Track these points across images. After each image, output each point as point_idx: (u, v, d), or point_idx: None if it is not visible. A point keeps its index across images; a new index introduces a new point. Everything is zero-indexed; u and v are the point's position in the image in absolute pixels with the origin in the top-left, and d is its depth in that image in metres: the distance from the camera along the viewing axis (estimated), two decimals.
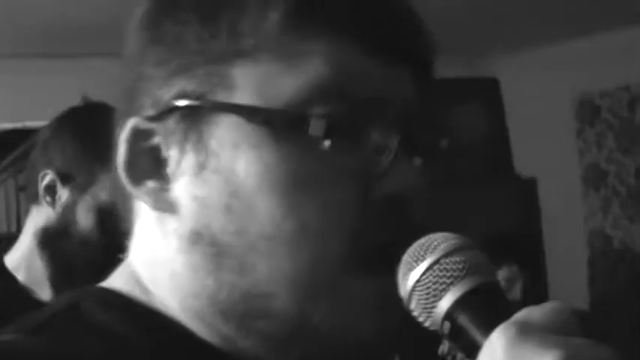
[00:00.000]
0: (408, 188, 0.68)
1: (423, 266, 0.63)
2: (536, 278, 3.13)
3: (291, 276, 0.66)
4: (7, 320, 1.61)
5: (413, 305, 0.64)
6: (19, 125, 4.07)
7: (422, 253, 0.64)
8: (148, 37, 0.72)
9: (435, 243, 0.64)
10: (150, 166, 0.70)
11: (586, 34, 4.53)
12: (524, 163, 3.60)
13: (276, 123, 0.65)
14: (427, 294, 0.63)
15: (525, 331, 0.57)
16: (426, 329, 0.65)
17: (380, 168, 0.67)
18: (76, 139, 1.65)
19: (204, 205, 0.67)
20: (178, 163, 0.69)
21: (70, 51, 4.51)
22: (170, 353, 0.69)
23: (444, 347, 0.83)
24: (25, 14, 3.84)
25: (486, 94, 5.36)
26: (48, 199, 1.63)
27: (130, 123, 0.70)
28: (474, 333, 0.61)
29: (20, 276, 1.66)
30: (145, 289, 0.73)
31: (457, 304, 0.62)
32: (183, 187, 0.69)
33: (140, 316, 0.71)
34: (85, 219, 1.63)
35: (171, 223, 0.70)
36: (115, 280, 0.76)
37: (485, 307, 0.62)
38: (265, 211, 0.66)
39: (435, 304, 0.63)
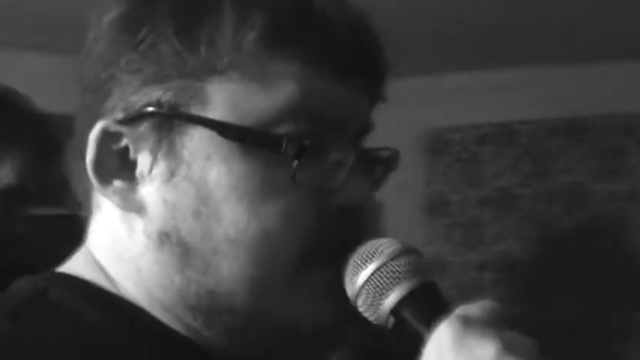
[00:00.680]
0: (360, 201, 0.78)
1: (372, 268, 0.73)
2: None
3: (251, 276, 0.74)
4: None
5: (360, 302, 0.74)
6: None
7: (370, 255, 0.74)
8: (123, 40, 0.76)
9: (382, 247, 0.74)
10: (117, 166, 0.76)
11: (438, 73, 4.78)
12: None
13: (246, 139, 0.73)
14: (374, 292, 0.72)
15: (467, 325, 0.66)
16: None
17: (337, 182, 0.76)
18: None
19: (174, 209, 0.74)
20: (149, 168, 0.75)
21: None
22: (141, 341, 0.76)
23: None
24: None
25: None
26: None
27: (100, 124, 0.75)
28: (418, 326, 0.70)
29: None
30: (109, 278, 0.79)
31: (402, 301, 0.71)
32: (152, 191, 0.75)
33: (110, 305, 0.77)
34: None
35: (138, 222, 0.76)
36: (76, 267, 0.81)
37: (427, 304, 0.72)
38: (231, 217, 0.73)
39: (381, 301, 0.72)
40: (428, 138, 4.79)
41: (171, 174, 0.73)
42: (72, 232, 0.84)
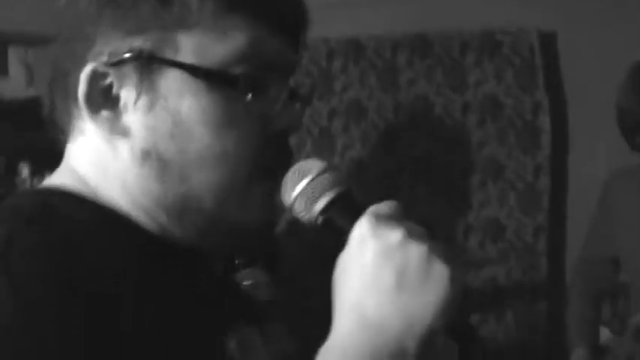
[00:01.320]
0: (293, 125, 1.01)
1: (305, 181, 0.95)
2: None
3: (215, 184, 0.96)
4: None
5: (296, 206, 0.96)
6: None
7: (302, 173, 0.96)
8: (103, 2, 0.95)
9: (311, 165, 0.97)
10: (102, 99, 0.96)
11: None
12: None
13: (210, 78, 0.94)
14: (307, 199, 0.95)
15: (379, 219, 0.89)
16: None
17: (276, 111, 0.98)
18: None
19: (154, 132, 0.95)
20: (134, 100, 0.95)
21: None
22: (125, 238, 0.97)
23: None
24: None
25: None
26: None
27: (90, 66, 0.95)
28: (342, 222, 0.93)
29: None
30: (93, 189, 0.99)
31: (328, 205, 0.94)
32: (135, 119, 0.95)
33: (99, 210, 0.98)
34: None
35: (123, 144, 0.96)
36: (64, 180, 1.01)
37: (347, 206, 0.94)
38: (199, 138, 0.94)
39: (312, 205, 0.95)
40: None
41: (152, 105, 0.93)
42: None
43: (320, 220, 0.93)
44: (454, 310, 0.85)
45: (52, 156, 4.08)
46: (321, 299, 0.96)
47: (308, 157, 1.08)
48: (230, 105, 0.93)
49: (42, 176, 4.58)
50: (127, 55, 0.91)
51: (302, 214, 0.94)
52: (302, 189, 0.93)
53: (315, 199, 0.93)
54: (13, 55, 4.57)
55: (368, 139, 4.95)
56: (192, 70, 0.91)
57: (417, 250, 0.84)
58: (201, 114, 0.92)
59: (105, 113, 0.93)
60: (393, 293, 0.83)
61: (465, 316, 0.87)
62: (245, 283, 3.02)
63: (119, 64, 0.91)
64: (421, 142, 5.00)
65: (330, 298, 0.87)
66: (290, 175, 0.95)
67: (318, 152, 4.83)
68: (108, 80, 0.93)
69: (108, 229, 0.94)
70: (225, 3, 0.92)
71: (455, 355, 0.85)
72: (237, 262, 3.01)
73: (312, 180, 0.93)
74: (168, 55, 0.92)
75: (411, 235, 0.85)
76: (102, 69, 0.92)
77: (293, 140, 1.03)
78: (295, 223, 0.97)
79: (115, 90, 0.93)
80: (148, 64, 0.91)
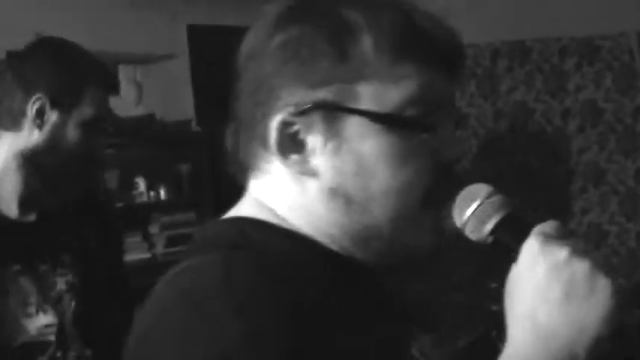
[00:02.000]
0: (460, 155, 1.06)
1: (474, 205, 1.01)
2: None
3: (393, 214, 1.02)
4: None
5: (467, 228, 1.02)
6: None
7: (471, 197, 1.02)
8: (289, 58, 1.01)
9: (477, 190, 1.02)
10: (291, 144, 1.02)
11: None
12: None
13: (387, 122, 1.00)
14: (477, 221, 1.01)
15: (546, 237, 0.94)
16: None
17: (444, 144, 1.04)
18: (57, 66, 1.86)
19: (340, 172, 1.01)
20: (321, 145, 1.01)
21: None
22: (317, 259, 1.04)
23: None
24: None
25: None
26: (38, 121, 1.82)
27: (279, 117, 1.01)
28: (509, 241, 0.98)
29: None
30: (282, 218, 1.06)
31: (497, 225, 1.00)
32: (323, 161, 1.02)
33: (288, 237, 1.05)
34: (72, 135, 1.85)
35: (311, 182, 1.03)
36: (252, 212, 1.08)
37: (514, 225, 0.99)
38: (380, 175, 1.01)
39: (482, 226, 1.00)
40: None
41: (338, 149, 1.01)
42: None
43: (490, 239, 1.00)
44: (617, 319, 0.93)
45: (164, 172, 4.24)
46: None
47: None
48: (406, 144, 1.01)
49: (157, 191, 4.78)
50: (313, 106, 1.00)
51: (473, 234, 1.02)
52: (472, 212, 1.01)
53: (485, 221, 1.00)
54: (123, 74, 4.75)
55: (468, 145, 5.00)
56: (372, 116, 0.99)
57: (582, 265, 0.91)
58: (382, 154, 1.00)
59: (294, 157, 1.02)
60: (563, 305, 0.90)
61: (628, 322, 0.95)
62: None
63: (305, 113, 1.00)
64: (521, 149, 5.04)
65: None
66: (460, 199, 1.03)
67: None
68: (295, 128, 1.01)
69: (303, 253, 1.04)
70: (397, 54, 1.00)
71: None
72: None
73: (481, 203, 1.00)
74: (350, 103, 1.00)
75: (575, 251, 0.92)
76: (289, 119, 1.01)
77: None
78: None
79: (301, 136, 1.01)
80: (332, 113, 1.00)
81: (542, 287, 0.92)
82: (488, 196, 1.01)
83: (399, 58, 1.00)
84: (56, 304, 1.82)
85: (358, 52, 1.00)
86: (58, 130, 1.83)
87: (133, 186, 4.68)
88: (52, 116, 1.82)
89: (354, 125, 1.00)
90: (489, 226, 1.00)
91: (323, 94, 0.99)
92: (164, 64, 4.79)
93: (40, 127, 1.82)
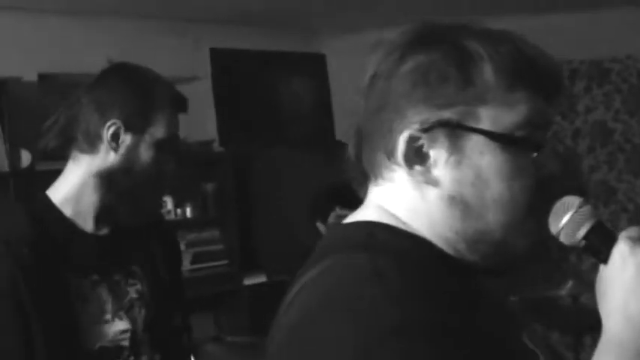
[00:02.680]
0: (557, 171, 1.19)
1: (568, 215, 1.15)
2: None
3: (503, 221, 1.15)
4: (55, 247, 2.02)
5: (563, 233, 1.16)
6: None
7: (565, 207, 1.16)
8: (419, 82, 1.14)
9: (571, 201, 1.16)
10: (415, 157, 1.15)
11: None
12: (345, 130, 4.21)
13: (503, 141, 1.13)
14: (572, 227, 1.15)
15: (634, 240, 1.09)
16: None
17: (545, 161, 1.17)
18: (130, 91, 1.95)
19: (459, 182, 1.14)
20: (445, 159, 1.14)
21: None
22: (436, 259, 1.17)
23: None
24: None
25: (312, 68, 5.91)
26: (113, 145, 1.92)
27: (407, 132, 1.14)
28: (599, 244, 1.13)
29: (67, 209, 1.95)
30: (403, 222, 1.19)
31: (589, 231, 1.14)
32: (444, 172, 1.14)
33: (410, 238, 1.18)
34: (145, 155, 1.95)
35: (432, 190, 1.16)
36: (375, 216, 1.21)
37: (602, 232, 1.14)
38: (494, 187, 1.13)
39: (576, 232, 1.15)
40: None
41: (459, 162, 1.13)
42: None
43: (582, 243, 1.15)
44: None
45: (190, 191, 4.35)
46: None
47: None
48: (517, 160, 1.13)
49: (183, 209, 4.93)
50: (439, 124, 1.14)
51: (567, 239, 1.16)
52: (567, 220, 1.15)
53: (578, 228, 1.15)
54: None
55: None
56: (490, 135, 1.13)
57: None
58: (496, 168, 1.13)
59: (418, 167, 1.15)
60: None
61: None
62: None
63: (430, 130, 1.13)
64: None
65: None
66: (555, 209, 1.16)
67: None
68: (420, 142, 1.13)
69: (423, 253, 1.18)
70: (512, 82, 1.13)
71: None
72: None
73: (575, 212, 1.15)
74: (471, 123, 1.13)
75: None
76: (416, 134, 1.13)
77: None
78: None
79: (425, 149, 1.14)
80: (455, 131, 1.13)
81: (632, 283, 1.07)
82: (580, 207, 1.15)
83: (513, 86, 1.14)
84: (128, 311, 1.94)
85: (481, 79, 1.13)
86: (132, 151, 1.93)
87: (160, 206, 4.78)
88: (127, 139, 1.92)
89: (474, 142, 1.13)
90: (582, 232, 1.14)
91: (448, 114, 1.13)
92: (187, 86, 4.91)
93: (115, 149, 1.91)
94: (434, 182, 1.16)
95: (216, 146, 5.26)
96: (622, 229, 1.14)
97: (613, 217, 5.13)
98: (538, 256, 1.25)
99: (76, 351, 1.83)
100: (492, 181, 1.14)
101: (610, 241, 1.12)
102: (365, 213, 1.24)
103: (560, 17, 5.25)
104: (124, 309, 1.94)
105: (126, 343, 1.92)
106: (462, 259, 1.17)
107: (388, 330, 0.99)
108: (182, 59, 5.21)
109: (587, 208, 1.16)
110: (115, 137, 1.91)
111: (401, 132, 1.15)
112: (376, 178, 1.22)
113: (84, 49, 4.61)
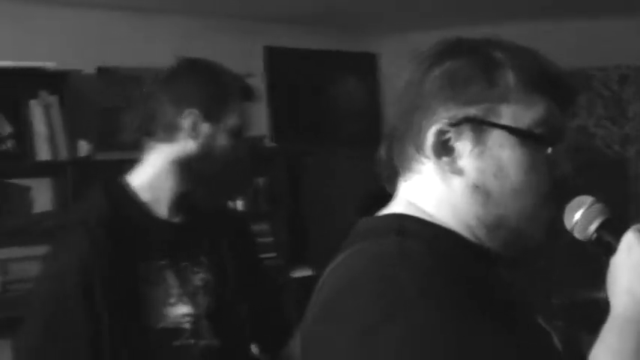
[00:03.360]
0: (570, 171, 1.29)
1: (581, 211, 1.25)
2: None
3: (521, 209, 1.25)
4: (130, 230, 2.13)
5: (576, 228, 1.25)
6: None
7: (578, 204, 1.26)
8: (444, 83, 1.26)
9: (584, 200, 1.26)
10: (443, 149, 1.25)
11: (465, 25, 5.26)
12: None
13: (522, 136, 1.24)
14: (584, 223, 1.25)
15: None
16: None
17: (561, 159, 1.27)
18: (204, 82, 2.07)
19: (482, 172, 1.24)
20: (469, 150, 1.25)
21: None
22: (462, 248, 1.26)
23: None
24: None
25: (364, 67, 6.01)
26: (193, 134, 2.02)
27: (437, 126, 1.25)
28: (609, 238, 1.22)
29: (144, 195, 2.07)
30: (428, 214, 1.29)
31: (600, 226, 1.24)
32: (468, 162, 1.25)
33: (437, 228, 1.28)
34: (222, 143, 2.06)
35: (457, 180, 1.26)
36: (405, 209, 1.31)
37: (612, 227, 1.23)
38: (514, 177, 1.23)
39: (588, 228, 1.24)
40: None
41: (482, 154, 1.24)
42: None
43: (594, 237, 1.24)
44: None
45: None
46: None
47: None
48: (534, 155, 1.24)
49: (235, 202, 5.01)
50: (465, 119, 1.24)
51: (580, 233, 1.25)
52: (580, 216, 1.25)
53: (590, 222, 1.24)
54: None
55: None
56: (510, 130, 1.23)
57: None
58: (516, 160, 1.23)
59: (445, 158, 1.25)
60: None
61: None
62: None
63: (457, 125, 1.24)
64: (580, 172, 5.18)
65: None
66: (570, 206, 1.27)
67: None
68: (447, 135, 1.24)
69: (451, 241, 1.27)
70: (531, 86, 1.25)
71: None
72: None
73: (587, 209, 1.24)
74: (494, 119, 1.24)
75: None
76: (444, 128, 1.24)
77: None
78: None
79: (451, 142, 1.24)
80: (479, 126, 1.24)
81: (637, 267, 1.16)
82: (592, 204, 1.25)
83: (531, 90, 1.25)
84: (193, 297, 2.03)
85: (503, 81, 1.25)
86: (211, 139, 2.03)
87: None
88: (205, 128, 2.03)
89: (495, 137, 1.24)
90: (593, 227, 1.24)
91: (473, 111, 1.24)
92: None
93: (194, 138, 2.02)
94: (459, 172, 1.25)
95: (268, 142, 5.36)
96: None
97: None
98: (578, 258, 1.33)
99: (138, 329, 1.93)
100: (511, 172, 1.23)
101: (619, 235, 1.20)
102: (394, 207, 1.34)
103: (612, 22, 5.30)
104: (188, 295, 2.04)
105: (187, 326, 2.01)
106: (483, 246, 1.26)
107: (409, 302, 1.08)
108: (237, 56, 5.28)
109: (598, 206, 1.25)
110: (194, 126, 2.01)
111: (430, 127, 1.25)
112: (405, 172, 1.32)
113: (142, 45, 4.75)
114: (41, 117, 4.30)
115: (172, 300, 2.01)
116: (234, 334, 2.13)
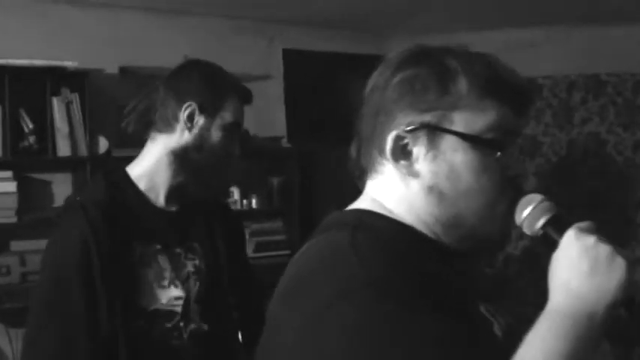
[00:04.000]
0: (521, 172, 1.40)
1: (529, 208, 1.31)
2: None
3: (474, 208, 1.33)
4: (126, 215, 2.22)
5: (524, 224, 1.31)
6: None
7: (527, 202, 1.32)
8: (406, 91, 1.33)
9: (533, 197, 1.32)
10: (401, 153, 1.33)
11: (484, 30, 5.37)
12: None
13: (473, 141, 1.31)
14: (531, 219, 1.31)
15: (581, 229, 1.24)
16: None
17: (511, 162, 1.35)
18: (204, 79, 2.21)
19: (436, 175, 1.32)
20: (424, 154, 1.32)
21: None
22: (416, 241, 1.34)
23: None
24: None
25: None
26: (189, 124, 2.16)
27: (395, 132, 1.33)
28: (554, 234, 1.28)
29: (142, 184, 2.19)
30: (388, 210, 1.38)
31: (546, 223, 1.29)
32: (424, 166, 1.33)
33: (395, 223, 1.36)
34: (215, 136, 2.19)
35: (414, 181, 1.34)
36: (366, 205, 1.40)
37: (558, 224, 1.28)
38: (465, 179, 1.31)
39: (535, 224, 1.30)
40: None
41: (435, 157, 1.32)
42: None
43: (540, 233, 1.31)
44: (629, 290, 1.20)
45: (257, 183, 4.59)
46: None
47: None
48: (485, 159, 1.31)
49: (249, 200, 5.17)
50: (420, 125, 1.32)
51: (528, 229, 1.32)
52: (528, 213, 1.31)
53: (537, 219, 1.31)
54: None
55: (542, 172, 5.25)
56: (462, 136, 1.31)
57: (605, 248, 1.21)
58: (467, 164, 1.31)
59: (402, 162, 1.33)
60: (590, 276, 1.20)
61: (633, 296, 1.25)
62: None
63: (413, 131, 1.32)
64: (592, 178, 5.30)
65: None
66: (520, 204, 1.33)
67: None
68: (405, 141, 1.32)
69: (405, 235, 1.35)
70: (483, 92, 1.31)
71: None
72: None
73: (535, 207, 1.31)
74: (447, 126, 1.31)
75: (600, 240, 1.22)
76: (402, 134, 1.32)
77: None
78: None
79: (409, 147, 1.33)
80: (434, 132, 1.32)
81: (574, 263, 1.22)
82: (540, 202, 1.32)
83: (484, 96, 1.32)
84: (185, 282, 2.15)
85: (456, 89, 1.32)
86: (205, 131, 2.17)
87: (228, 194, 5.05)
88: (200, 120, 2.17)
89: (448, 142, 1.32)
90: (540, 223, 1.31)
91: (428, 117, 1.32)
92: (260, 84, 5.08)
93: (190, 129, 2.16)
94: (415, 174, 1.34)
95: (285, 142, 5.46)
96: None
97: None
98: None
99: (132, 309, 2.04)
100: (463, 175, 1.32)
101: (563, 231, 1.27)
102: (359, 203, 1.43)
103: (626, 29, 5.34)
104: (180, 279, 2.16)
105: (178, 309, 2.13)
106: (439, 241, 1.35)
107: (357, 286, 1.17)
108: (256, 58, 5.43)
109: (546, 204, 1.32)
110: (190, 118, 2.16)
111: (390, 132, 1.34)
112: (370, 172, 1.42)
113: (163, 46, 4.86)
114: (62, 114, 4.42)
115: (165, 282, 2.12)
116: (222, 319, 2.23)
